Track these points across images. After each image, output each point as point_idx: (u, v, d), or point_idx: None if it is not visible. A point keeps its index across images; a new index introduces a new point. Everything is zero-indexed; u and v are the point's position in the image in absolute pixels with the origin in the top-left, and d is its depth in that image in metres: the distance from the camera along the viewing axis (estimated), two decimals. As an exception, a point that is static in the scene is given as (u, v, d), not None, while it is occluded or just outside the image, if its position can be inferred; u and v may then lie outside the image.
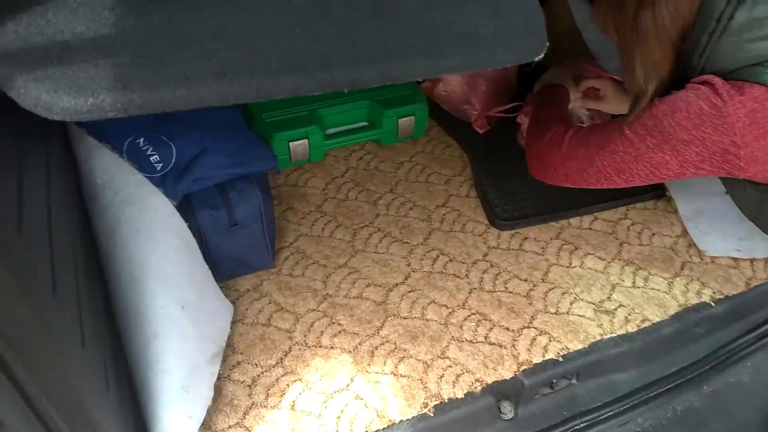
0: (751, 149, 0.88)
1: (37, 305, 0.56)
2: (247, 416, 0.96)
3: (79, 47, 0.42)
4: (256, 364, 1.04)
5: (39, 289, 0.57)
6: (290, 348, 1.07)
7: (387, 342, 1.09)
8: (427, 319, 1.14)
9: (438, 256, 1.28)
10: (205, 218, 1.05)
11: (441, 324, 1.13)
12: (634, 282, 1.23)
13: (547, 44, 0.51)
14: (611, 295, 1.21)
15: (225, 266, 1.13)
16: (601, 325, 1.15)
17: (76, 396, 0.62)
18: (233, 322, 1.10)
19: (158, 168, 1.01)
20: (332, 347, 1.08)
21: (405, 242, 1.30)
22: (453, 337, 1.11)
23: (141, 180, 0.97)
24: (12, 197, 0.58)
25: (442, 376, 1.04)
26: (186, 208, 1.04)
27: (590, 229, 1.36)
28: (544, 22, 0.51)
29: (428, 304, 1.17)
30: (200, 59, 0.42)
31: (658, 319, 1.17)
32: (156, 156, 1.02)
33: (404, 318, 1.14)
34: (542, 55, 0.50)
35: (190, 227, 1.01)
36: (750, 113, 0.86)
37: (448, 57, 0.46)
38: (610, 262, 1.28)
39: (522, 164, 1.47)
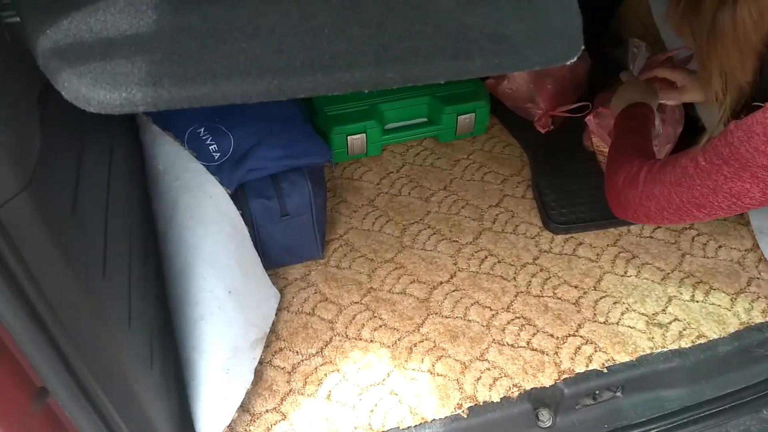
0: None
1: (86, 286, 0.60)
2: (284, 402, 1.00)
3: (120, 44, 0.45)
4: (297, 352, 1.07)
5: (90, 271, 0.62)
6: (331, 338, 1.10)
7: (426, 339, 1.10)
8: (468, 320, 1.14)
9: (486, 257, 1.26)
10: (257, 207, 1.09)
11: (483, 326, 1.12)
12: (693, 296, 1.18)
13: (582, 47, 0.49)
14: (667, 307, 1.16)
15: (275, 254, 1.17)
16: (653, 338, 1.10)
17: (119, 373, 0.66)
18: (279, 309, 1.13)
19: (216, 157, 1.06)
20: (372, 341, 1.09)
21: (454, 241, 1.30)
22: (494, 339, 1.10)
23: (199, 168, 1.02)
24: (69, 179, 0.63)
25: (479, 378, 1.04)
26: (240, 196, 1.08)
27: (651, 237, 1.30)
28: (581, 24, 0.50)
29: (471, 305, 1.16)
30: (229, 57, 0.45)
31: (715, 336, 1.11)
32: (215, 145, 1.07)
33: (446, 317, 1.14)
34: (575, 58, 0.49)
35: (242, 215, 1.06)
36: None
37: (473, 59, 0.45)
38: (669, 274, 1.22)
39: (582, 166, 1.43)
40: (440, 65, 0.45)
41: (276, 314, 1.12)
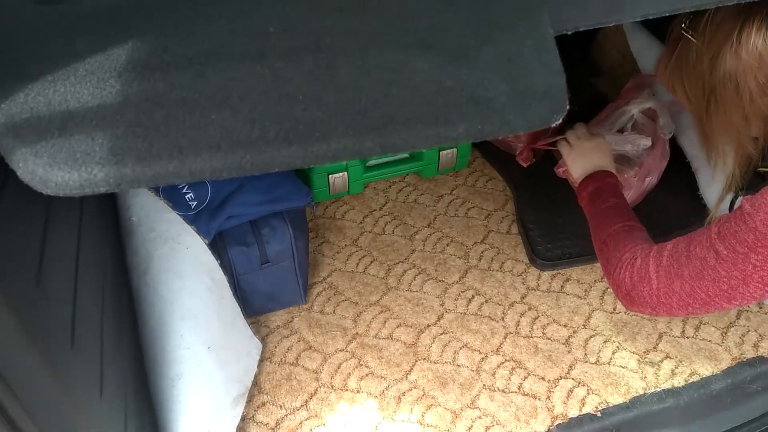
0: None
1: (51, 360, 0.56)
2: (268, 460, 0.95)
3: (81, 117, 0.42)
4: (280, 406, 1.03)
5: (56, 344, 0.58)
6: (316, 390, 1.06)
7: (415, 388, 1.06)
8: (458, 365, 1.10)
9: (473, 297, 1.24)
10: (237, 255, 1.06)
11: (472, 370, 1.09)
12: (683, 331, 1.16)
13: (567, 108, 0.48)
14: (657, 344, 1.14)
15: (256, 302, 1.13)
16: (645, 377, 1.08)
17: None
18: (261, 360, 1.09)
19: (193, 206, 1.03)
20: (358, 391, 1.06)
21: (440, 280, 1.27)
22: (484, 385, 1.07)
23: (175, 218, 0.99)
24: (32, 248, 0.59)
25: (470, 428, 1.00)
26: (218, 244, 1.05)
27: (637, 271, 1.29)
28: (564, 83, 0.48)
29: (460, 348, 1.13)
30: (197, 129, 0.42)
31: (708, 374, 1.09)
32: (191, 193, 1.04)
33: (434, 362, 1.11)
34: (561, 120, 0.47)
35: (221, 264, 1.02)
36: None
37: (454, 125, 0.44)
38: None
39: (566, 199, 1.42)
40: (420, 132, 0.43)
41: (258, 366, 1.08)
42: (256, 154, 0.42)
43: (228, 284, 1.01)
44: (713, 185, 1.36)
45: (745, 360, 1.10)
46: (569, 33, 0.58)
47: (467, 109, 0.44)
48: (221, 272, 0.99)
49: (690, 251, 0.83)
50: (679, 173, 1.38)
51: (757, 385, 1.11)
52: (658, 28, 1.57)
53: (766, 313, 1.18)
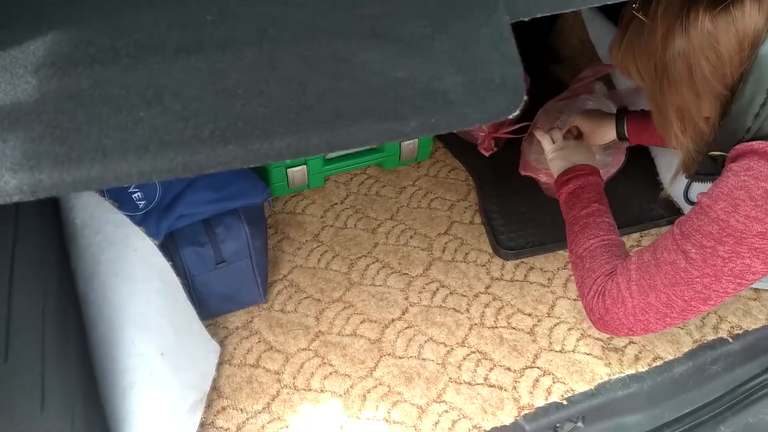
0: None
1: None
2: (229, 468, 0.92)
3: (-8, 119, 0.38)
4: (241, 410, 1.00)
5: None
6: (278, 392, 1.02)
7: (380, 384, 1.04)
8: (423, 359, 1.09)
9: (438, 289, 1.22)
10: (190, 256, 1.01)
11: (438, 364, 1.08)
12: (645, 316, 1.16)
13: (525, 99, 0.45)
14: (621, 331, 1.14)
15: (213, 304, 1.09)
16: (609, 364, 1.08)
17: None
18: (220, 363, 1.06)
19: (141, 206, 0.98)
20: (322, 390, 1.03)
21: (404, 273, 1.25)
22: (450, 378, 1.05)
23: (121, 219, 0.93)
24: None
25: (437, 423, 0.99)
26: (170, 245, 1.00)
27: (600, 257, 1.29)
28: (522, 74, 0.46)
29: (425, 342, 1.12)
30: (123, 129, 0.38)
31: (670, 357, 1.10)
32: (139, 192, 0.98)
33: (399, 357, 1.09)
34: (518, 112, 0.45)
35: (174, 266, 0.98)
36: None
37: (406, 120, 0.41)
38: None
39: (528, 188, 1.41)
40: (369, 128, 0.40)
41: (217, 369, 1.04)
42: (189, 155, 0.38)
43: (181, 286, 0.96)
44: (672, 170, 1.37)
45: (705, 342, 1.12)
46: (526, 20, 0.56)
47: (420, 102, 0.41)
48: (173, 274, 0.95)
49: (658, 259, 0.82)
50: (638, 159, 1.39)
51: (717, 366, 1.13)
52: (617, 15, 1.57)
53: (724, 296, 1.20)
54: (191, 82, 0.41)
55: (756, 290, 1.21)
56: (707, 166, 0.87)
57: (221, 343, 1.09)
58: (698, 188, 0.89)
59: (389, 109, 0.41)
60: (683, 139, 0.86)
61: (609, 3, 0.58)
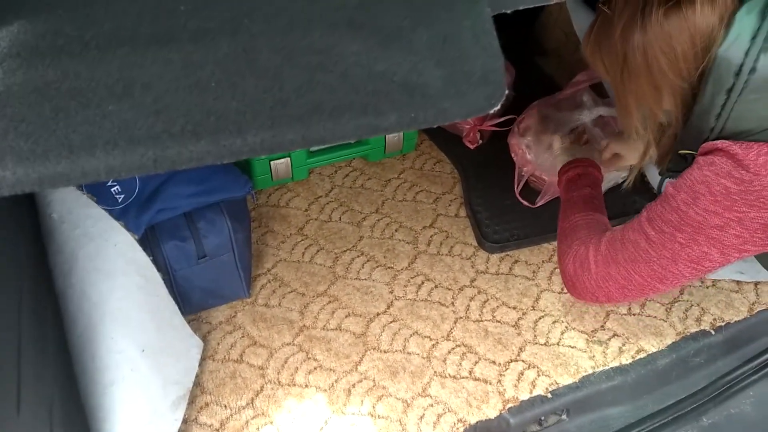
0: None
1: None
2: (212, 464, 0.91)
3: (-47, 113, 0.36)
4: (225, 406, 0.99)
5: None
6: (262, 387, 1.02)
7: (365, 379, 1.04)
8: (408, 353, 1.08)
9: (423, 282, 1.22)
10: (171, 250, 1.00)
11: (423, 358, 1.07)
12: (629, 308, 1.17)
13: (506, 92, 0.45)
14: (605, 323, 1.14)
15: (195, 299, 1.08)
16: (594, 357, 1.09)
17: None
18: (203, 359, 1.04)
19: (119, 199, 0.96)
20: (307, 385, 1.02)
21: (389, 267, 1.25)
22: (435, 372, 1.05)
23: (100, 213, 0.92)
24: None
25: (422, 417, 0.99)
26: (150, 240, 0.99)
27: (584, 250, 1.29)
28: (502, 67, 0.45)
29: (410, 336, 1.11)
30: (92, 124, 0.37)
31: (654, 350, 1.10)
32: (117, 186, 0.97)
33: (384, 351, 1.08)
34: (499, 106, 0.44)
35: (155, 260, 0.96)
36: None
37: (385, 114, 0.40)
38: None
39: (513, 181, 1.41)
40: (348, 123, 0.39)
41: (200, 365, 1.03)
42: (160, 150, 0.37)
43: (162, 282, 0.95)
44: (653, 165, 1.38)
45: (688, 334, 1.13)
46: (509, 12, 0.55)
47: (399, 96, 0.40)
48: (154, 269, 0.93)
49: (624, 237, 0.87)
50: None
51: (700, 358, 1.14)
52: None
53: (707, 287, 1.20)
54: (163, 74, 0.40)
55: (738, 282, 1.22)
56: (678, 164, 0.89)
57: (204, 338, 1.08)
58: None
59: (367, 103, 0.40)
60: (643, 132, 0.89)
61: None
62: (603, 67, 0.87)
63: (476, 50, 0.44)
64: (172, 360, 0.94)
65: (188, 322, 1.05)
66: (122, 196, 0.96)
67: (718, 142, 0.77)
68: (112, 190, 0.96)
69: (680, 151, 0.86)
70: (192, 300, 1.07)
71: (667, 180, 0.89)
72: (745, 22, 0.72)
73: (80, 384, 0.86)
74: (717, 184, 0.76)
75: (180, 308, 1.01)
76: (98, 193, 0.94)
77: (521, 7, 0.55)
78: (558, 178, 1.15)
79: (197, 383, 1.01)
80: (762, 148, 0.74)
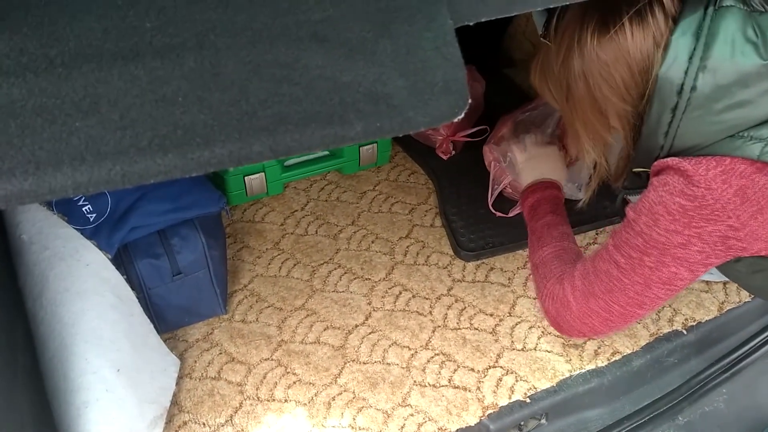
0: (750, 228, 0.77)
1: None
2: (191, 484, 0.90)
3: None
4: (203, 424, 0.98)
5: None
6: (241, 403, 1.01)
7: (345, 391, 1.03)
8: (387, 363, 1.08)
9: (400, 293, 1.22)
10: (145, 268, 0.99)
11: (402, 368, 1.08)
12: (603, 312, 1.19)
13: (469, 101, 0.46)
14: (580, 327, 1.16)
15: (171, 317, 1.07)
16: (570, 360, 1.10)
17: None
18: (180, 377, 1.03)
19: (91, 219, 0.95)
20: (286, 400, 1.02)
21: (366, 279, 1.25)
22: (415, 381, 1.06)
23: (71, 233, 0.91)
24: None
25: (403, 427, 0.99)
26: (124, 258, 0.98)
27: (558, 255, 1.31)
28: (465, 77, 0.46)
29: (389, 346, 1.11)
30: (58, 140, 0.37)
31: (628, 351, 1.12)
32: (89, 205, 0.96)
33: (363, 363, 1.08)
34: (463, 114, 0.46)
35: (129, 279, 0.96)
36: (739, 191, 0.75)
37: (351, 124, 0.41)
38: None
39: (487, 189, 1.43)
40: (314, 133, 0.40)
41: (177, 383, 1.02)
42: (127, 165, 0.37)
43: (136, 300, 0.94)
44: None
45: (662, 335, 1.15)
46: (471, 24, 0.56)
47: (364, 106, 0.41)
48: (128, 288, 0.92)
49: (596, 268, 0.89)
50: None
51: (673, 358, 1.16)
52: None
53: (677, 288, 1.23)
54: (129, 90, 0.40)
55: (707, 282, 1.24)
56: (634, 182, 0.92)
57: (181, 356, 1.07)
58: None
59: (333, 113, 0.41)
60: (594, 155, 0.91)
61: (551, 6, 0.60)
62: (551, 96, 0.90)
63: (438, 61, 0.45)
64: (149, 379, 0.93)
65: (164, 341, 1.04)
66: (94, 215, 0.95)
67: (669, 159, 0.79)
68: (83, 209, 0.95)
69: (634, 170, 0.88)
70: (168, 318, 1.06)
71: (626, 198, 0.92)
72: (681, 43, 0.74)
73: (53, 407, 0.85)
74: (672, 203, 0.78)
75: (156, 327, 1.00)
76: (69, 212, 0.93)
77: (483, 19, 0.56)
78: (521, 204, 1.18)
79: (175, 402, 1.00)
80: (710, 162, 0.76)
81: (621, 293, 0.86)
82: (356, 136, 0.41)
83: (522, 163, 1.20)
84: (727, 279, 1.24)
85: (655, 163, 0.82)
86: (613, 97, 0.81)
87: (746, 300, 1.20)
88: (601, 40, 0.79)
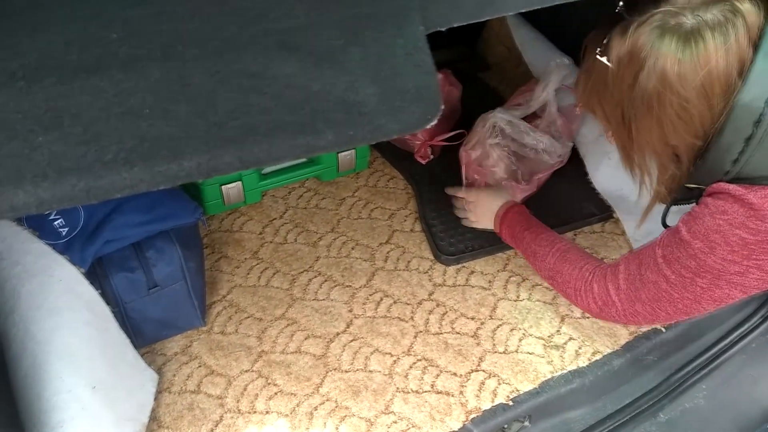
0: None
1: None
2: (172, 501, 0.88)
3: None
4: (183, 439, 0.96)
5: None
6: (221, 417, 0.99)
7: (327, 400, 1.03)
8: (370, 371, 1.08)
9: (382, 299, 1.22)
10: (120, 282, 0.97)
11: (385, 375, 1.07)
12: (583, 312, 1.20)
13: (441, 108, 0.46)
14: (560, 328, 1.17)
15: (148, 331, 1.05)
16: (551, 361, 1.10)
17: None
18: (159, 391, 1.02)
19: (63, 233, 0.93)
20: (267, 412, 1.00)
21: (347, 286, 1.24)
22: (398, 388, 1.05)
23: (43, 249, 0.89)
24: None
25: (386, 434, 0.98)
26: (98, 272, 0.96)
27: (538, 257, 1.32)
28: (437, 83, 0.46)
29: (371, 354, 1.11)
30: (19, 156, 0.36)
31: (609, 351, 1.13)
32: (60, 219, 0.94)
33: (346, 371, 1.07)
34: (435, 121, 0.45)
35: (103, 294, 0.94)
36: None
37: (322, 133, 0.40)
38: (558, 293, 1.23)
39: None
40: (284, 143, 0.39)
41: (156, 398, 1.00)
42: (92, 180, 0.36)
43: (112, 315, 0.92)
44: (599, 170, 1.43)
45: (641, 333, 1.16)
46: (443, 30, 0.56)
47: (335, 115, 0.41)
48: (103, 303, 0.91)
49: (642, 275, 0.87)
50: (569, 161, 1.43)
51: (652, 356, 1.17)
52: (540, 21, 1.62)
53: (655, 287, 1.24)
54: (93, 103, 0.39)
55: (684, 280, 1.26)
56: (684, 194, 0.88)
57: (159, 370, 1.05)
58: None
59: (304, 122, 0.40)
60: (654, 184, 0.87)
61: (521, 11, 0.60)
62: (604, 117, 0.85)
63: (409, 67, 0.45)
64: (126, 395, 0.91)
65: (142, 355, 1.02)
66: (66, 229, 0.93)
67: (731, 187, 0.75)
68: (55, 223, 0.93)
69: (687, 185, 0.84)
70: (145, 332, 1.05)
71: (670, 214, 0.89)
72: (764, 68, 0.69)
73: (28, 428, 0.82)
74: (732, 234, 0.74)
75: (132, 341, 0.98)
76: (40, 227, 0.91)
77: (455, 25, 0.56)
78: (501, 237, 1.23)
79: (153, 417, 0.98)
80: None
81: (669, 304, 0.85)
82: (327, 145, 0.41)
83: (475, 215, 1.28)
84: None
85: (713, 185, 0.78)
86: (686, 134, 0.75)
87: (722, 296, 1.22)
88: (680, 61, 0.72)
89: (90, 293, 0.90)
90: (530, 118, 1.38)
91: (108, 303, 0.94)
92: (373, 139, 0.44)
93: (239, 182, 1.36)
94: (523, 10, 0.60)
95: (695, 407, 1.16)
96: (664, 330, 1.17)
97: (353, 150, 1.48)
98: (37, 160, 0.36)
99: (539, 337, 1.15)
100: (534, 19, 1.60)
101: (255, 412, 1.00)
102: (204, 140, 0.38)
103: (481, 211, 1.25)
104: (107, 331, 0.92)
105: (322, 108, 0.41)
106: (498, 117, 1.34)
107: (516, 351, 1.12)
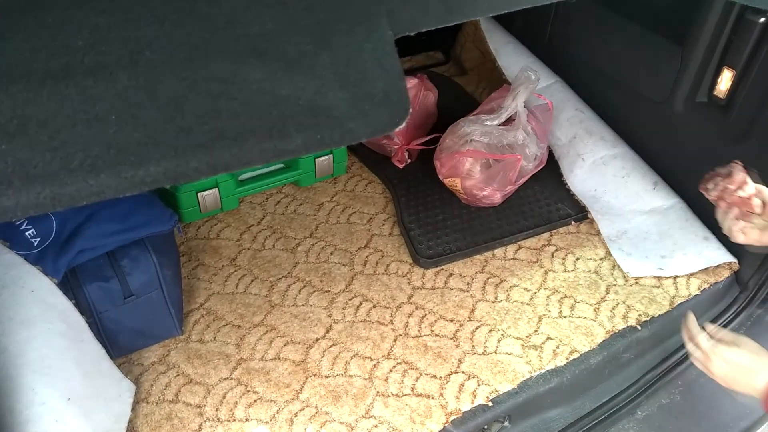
0: None
1: None
2: None
3: None
4: (161, 449, 0.95)
5: None
6: (200, 426, 0.98)
7: (307, 406, 1.02)
8: (350, 375, 1.08)
9: (361, 303, 1.22)
10: (95, 292, 0.96)
11: (365, 379, 1.07)
12: (560, 311, 1.21)
13: (410, 111, 0.46)
14: (538, 328, 1.18)
15: (124, 340, 1.04)
16: (530, 361, 1.11)
17: None
18: (137, 402, 1.00)
19: (35, 243, 0.92)
20: (247, 419, 1.00)
21: (326, 291, 1.24)
22: (378, 392, 1.05)
23: (14, 259, 0.88)
24: None
25: (366, 439, 0.98)
26: (72, 282, 0.95)
27: (515, 259, 1.33)
28: (405, 87, 0.46)
29: (351, 358, 1.11)
30: (-17, 165, 0.36)
31: (586, 349, 1.14)
32: (32, 229, 0.92)
33: (326, 377, 1.07)
34: (404, 124, 0.46)
35: (78, 304, 0.93)
36: None
37: (291, 137, 0.40)
38: (536, 293, 1.25)
39: (443, 196, 1.44)
40: (253, 147, 0.40)
41: (133, 409, 0.99)
42: (58, 188, 0.36)
43: (86, 325, 0.91)
44: (574, 172, 1.45)
45: (617, 331, 1.17)
46: (420, 35, 0.57)
47: (304, 119, 0.41)
48: (77, 313, 0.89)
49: None
50: (546, 164, 1.45)
51: (629, 353, 1.19)
52: (513, 26, 1.64)
53: (631, 285, 1.26)
54: (60, 110, 0.39)
55: (658, 278, 1.28)
56: None
57: (136, 380, 1.04)
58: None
59: (273, 127, 0.41)
60: None
61: (490, 15, 0.61)
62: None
63: (378, 72, 0.45)
64: (102, 406, 0.90)
65: (118, 365, 1.01)
66: (38, 239, 0.92)
67: None
68: (26, 233, 0.92)
69: None
70: (121, 342, 1.03)
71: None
72: None
73: (0, 442, 0.81)
74: None
75: (108, 351, 0.97)
76: (11, 237, 0.90)
77: (424, 29, 0.57)
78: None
79: (131, 428, 0.96)
80: None
81: None
82: (296, 149, 0.41)
83: (727, 377, 0.90)
84: (676, 274, 1.28)
85: None
86: None
87: (695, 293, 1.24)
88: None
89: (63, 303, 0.89)
90: (503, 124, 1.40)
91: (82, 313, 0.93)
92: (342, 143, 0.44)
93: (216, 189, 1.36)
94: (491, 14, 0.61)
95: (672, 403, 1.18)
96: (639, 328, 1.19)
97: (330, 155, 1.49)
98: (2, 167, 0.36)
99: (517, 337, 1.16)
100: (506, 23, 1.62)
101: (235, 420, 1.00)
102: (172, 146, 0.38)
103: (740, 377, 0.90)
104: (82, 342, 0.90)
105: (292, 112, 0.42)
106: (468, 126, 1.36)
107: (495, 352, 1.13)
